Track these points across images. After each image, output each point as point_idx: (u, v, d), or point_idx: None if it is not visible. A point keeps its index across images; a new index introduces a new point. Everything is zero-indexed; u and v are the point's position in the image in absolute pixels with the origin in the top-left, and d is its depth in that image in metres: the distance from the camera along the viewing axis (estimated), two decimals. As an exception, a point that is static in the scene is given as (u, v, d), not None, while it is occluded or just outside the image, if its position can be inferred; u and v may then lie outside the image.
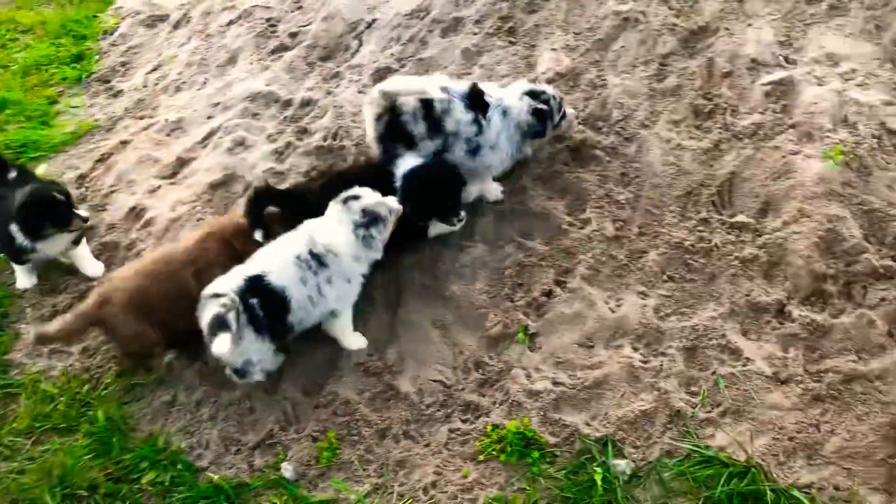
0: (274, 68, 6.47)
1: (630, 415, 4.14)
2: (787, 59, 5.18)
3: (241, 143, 5.87)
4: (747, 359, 4.21)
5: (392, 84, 4.80)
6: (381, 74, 5.92)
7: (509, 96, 4.82)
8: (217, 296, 4.22)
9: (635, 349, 4.40)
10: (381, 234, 4.47)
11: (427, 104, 4.68)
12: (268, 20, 7.02)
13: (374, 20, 6.40)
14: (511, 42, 5.67)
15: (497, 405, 4.35)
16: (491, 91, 4.83)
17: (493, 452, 4.15)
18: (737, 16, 5.41)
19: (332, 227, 4.43)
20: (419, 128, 4.72)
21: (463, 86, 4.82)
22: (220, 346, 4.04)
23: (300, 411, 4.50)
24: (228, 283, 4.28)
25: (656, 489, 3.88)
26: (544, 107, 4.79)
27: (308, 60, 6.41)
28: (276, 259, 4.39)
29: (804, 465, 3.87)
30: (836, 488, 3.76)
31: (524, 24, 5.71)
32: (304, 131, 5.79)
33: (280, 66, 6.46)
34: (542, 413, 4.25)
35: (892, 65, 4.95)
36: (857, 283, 4.32)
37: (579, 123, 5.16)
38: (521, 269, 4.78)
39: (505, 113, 4.79)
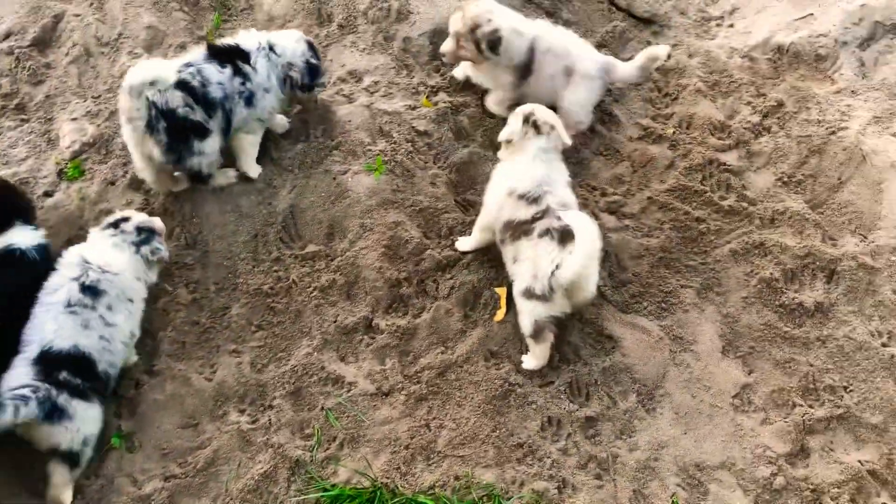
0: None
1: (251, 482, 3.93)
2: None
3: None
4: (350, 383, 4.24)
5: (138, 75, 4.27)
6: None
7: (280, 39, 4.74)
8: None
9: (241, 412, 4.19)
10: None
11: (185, 86, 4.34)
12: None
13: None
14: (23, 120, 5.04)
15: (106, 528, 3.85)
16: (246, 39, 4.68)
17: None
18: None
19: (108, 251, 4.16)
20: (198, 114, 4.40)
21: (198, 52, 4.56)
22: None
23: None
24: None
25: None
26: (317, 62, 4.84)
27: None
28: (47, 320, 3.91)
29: (424, 468, 4.00)
30: (456, 478, 3.93)
31: (33, 98, 5.10)
32: None
33: None
34: (158, 517, 3.84)
35: (406, 70, 5.31)
36: (427, 279, 4.56)
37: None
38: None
39: (271, 54, 4.67)
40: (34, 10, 5.42)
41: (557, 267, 3.94)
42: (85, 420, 3.86)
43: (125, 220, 4.28)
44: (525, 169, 4.28)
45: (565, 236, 3.97)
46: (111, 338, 4.00)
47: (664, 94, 5.40)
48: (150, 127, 4.28)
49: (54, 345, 3.85)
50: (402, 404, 4.17)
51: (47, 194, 4.78)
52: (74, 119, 4.99)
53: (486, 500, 3.85)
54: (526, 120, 4.37)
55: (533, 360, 4.21)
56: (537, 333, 4.11)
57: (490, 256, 4.54)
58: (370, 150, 4.93)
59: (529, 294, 4.07)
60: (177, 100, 4.29)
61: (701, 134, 5.12)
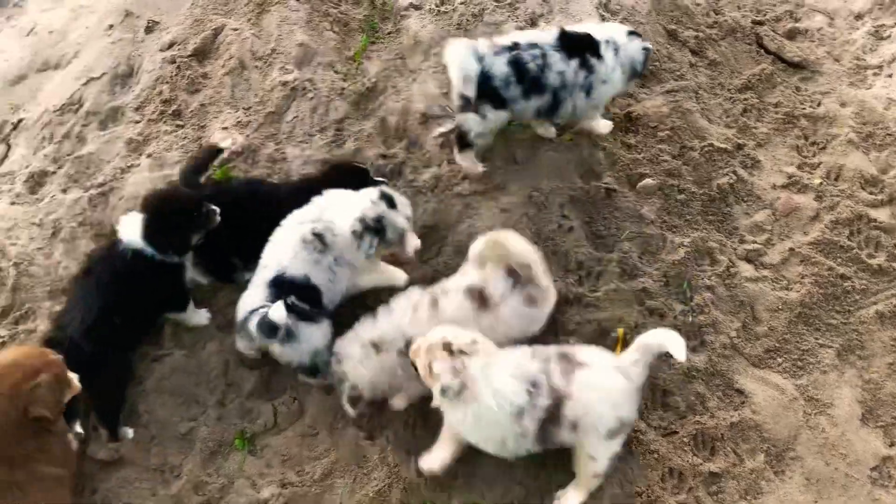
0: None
1: (365, 499, 3.96)
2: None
3: None
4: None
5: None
6: (36, 180, 5.27)
7: (617, 34, 4.71)
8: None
9: (359, 427, 4.23)
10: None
11: (516, 64, 4.48)
12: None
13: (20, 120, 5.70)
14: (179, 126, 5.32)
15: (224, 526, 3.97)
16: (592, 30, 4.70)
17: (228, 581, 3.76)
18: (400, 73, 5.52)
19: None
20: (512, 91, 4.53)
21: (548, 35, 4.63)
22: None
23: None
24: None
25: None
26: (651, 47, 4.88)
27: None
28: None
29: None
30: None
31: (189, 106, 5.38)
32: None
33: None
34: (276, 522, 3.93)
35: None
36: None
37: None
38: (226, 367, 4.43)
39: (617, 51, 4.65)
40: (197, 22, 5.73)
41: None
42: (312, 337, 4.11)
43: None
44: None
45: None
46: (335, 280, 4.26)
47: (811, 143, 5.18)
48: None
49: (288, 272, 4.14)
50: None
51: (195, 198, 5.01)
52: (225, 128, 5.22)
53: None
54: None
55: None
56: None
57: (618, 296, 4.45)
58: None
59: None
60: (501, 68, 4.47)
61: (850, 187, 4.88)
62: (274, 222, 4.31)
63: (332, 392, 4.27)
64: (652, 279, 4.57)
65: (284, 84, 5.36)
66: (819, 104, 5.26)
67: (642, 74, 4.99)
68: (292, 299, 4.03)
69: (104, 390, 4.18)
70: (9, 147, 5.63)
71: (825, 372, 4.27)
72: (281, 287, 4.10)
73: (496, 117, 4.65)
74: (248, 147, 5.13)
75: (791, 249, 4.67)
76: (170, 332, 4.56)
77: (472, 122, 4.64)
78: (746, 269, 4.63)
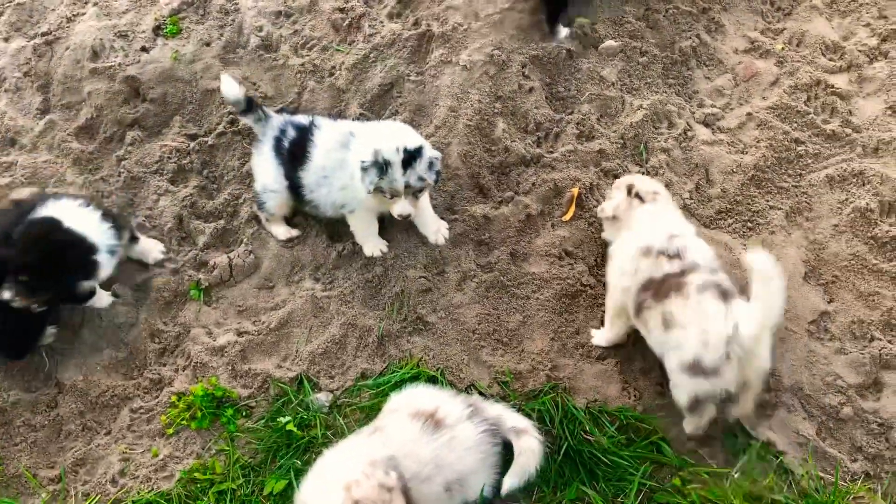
0: None
1: (321, 347, 4.04)
2: None
3: None
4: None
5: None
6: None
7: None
8: None
9: (316, 280, 4.28)
10: None
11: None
12: None
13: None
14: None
15: (180, 371, 4.03)
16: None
17: (184, 422, 3.85)
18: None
19: None
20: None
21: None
22: None
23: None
24: None
25: (358, 412, 3.83)
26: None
27: None
28: None
29: (490, 354, 4.04)
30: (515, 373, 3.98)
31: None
32: None
33: None
34: (230, 367, 4.01)
35: None
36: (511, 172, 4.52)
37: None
38: (180, 221, 4.42)
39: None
40: None
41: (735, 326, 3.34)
42: None
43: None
44: (650, 227, 3.78)
45: (727, 294, 3.47)
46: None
47: (777, 8, 5.12)
48: None
49: None
50: (473, 291, 4.20)
51: (144, 49, 4.85)
52: (177, -27, 4.99)
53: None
54: (629, 191, 3.97)
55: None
56: (695, 407, 3.57)
57: (576, 157, 4.48)
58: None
59: (696, 368, 3.40)
60: None
61: (811, 53, 4.86)
62: None
63: (289, 246, 4.31)
64: (609, 141, 4.57)
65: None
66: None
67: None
68: None
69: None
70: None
71: (773, 232, 4.36)
72: None
73: None
74: (197, -2, 4.94)
75: (749, 114, 4.67)
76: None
77: None
78: (703, 133, 4.64)
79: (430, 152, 3.92)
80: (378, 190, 3.88)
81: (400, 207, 3.93)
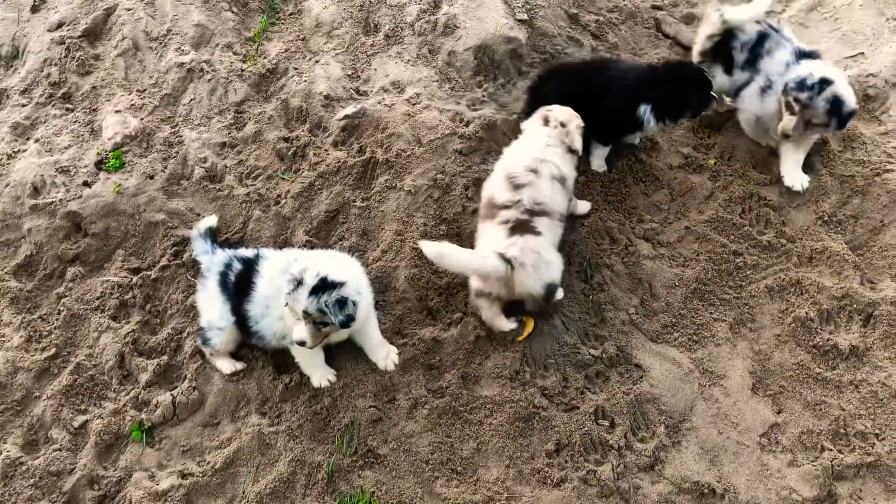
0: None
1: (268, 487, 3.90)
2: (357, 91, 5.31)
3: None
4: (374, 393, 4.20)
5: (735, 14, 5.06)
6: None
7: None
8: None
9: (262, 414, 4.17)
10: None
11: (762, 38, 5.02)
12: None
13: None
14: (69, 109, 5.10)
15: (121, 521, 3.85)
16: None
17: (124, 579, 3.65)
18: (303, 54, 5.42)
19: None
20: (740, 56, 5.08)
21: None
22: None
23: None
24: None
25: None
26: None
27: None
28: None
29: (444, 485, 3.94)
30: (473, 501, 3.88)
31: (80, 88, 5.17)
32: None
33: None
34: (173, 513, 3.84)
35: (448, 83, 5.31)
36: (459, 292, 4.53)
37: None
38: (121, 359, 4.30)
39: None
40: (87, 1, 5.50)
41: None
42: None
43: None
44: (520, 152, 4.47)
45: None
46: None
47: (707, 125, 5.35)
48: None
49: None
50: (425, 418, 4.13)
51: (86, 184, 4.83)
52: (118, 111, 5.04)
53: (504, 522, 3.80)
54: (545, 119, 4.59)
55: None
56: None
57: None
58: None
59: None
60: None
61: (742, 167, 5.06)
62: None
63: (234, 380, 4.21)
64: (554, 259, 4.64)
65: (180, 66, 5.20)
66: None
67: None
68: None
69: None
70: None
71: (719, 345, 4.43)
72: None
73: None
74: (143, 131, 4.97)
75: (687, 227, 4.81)
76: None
77: None
78: (645, 248, 4.75)
79: (350, 293, 3.84)
80: (288, 305, 3.84)
81: (297, 331, 3.84)
